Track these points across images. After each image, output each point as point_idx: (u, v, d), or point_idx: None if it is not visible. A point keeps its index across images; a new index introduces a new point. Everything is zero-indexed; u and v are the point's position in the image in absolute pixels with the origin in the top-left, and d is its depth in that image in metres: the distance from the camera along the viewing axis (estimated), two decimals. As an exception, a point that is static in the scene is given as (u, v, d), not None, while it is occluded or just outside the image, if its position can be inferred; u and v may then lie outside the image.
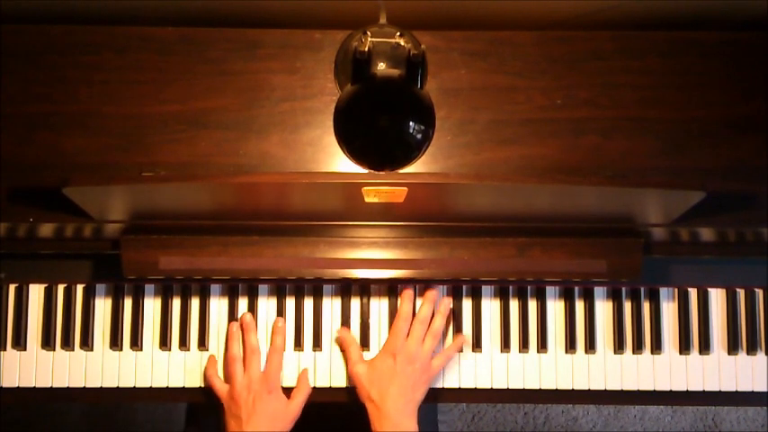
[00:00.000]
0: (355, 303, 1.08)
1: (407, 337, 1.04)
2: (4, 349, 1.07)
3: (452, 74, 0.99)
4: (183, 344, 1.07)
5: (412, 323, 1.05)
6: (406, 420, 0.99)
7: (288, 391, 1.05)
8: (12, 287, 1.07)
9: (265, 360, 1.05)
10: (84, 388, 1.06)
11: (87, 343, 1.07)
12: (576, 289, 1.09)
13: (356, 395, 1.04)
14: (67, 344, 1.07)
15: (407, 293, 1.06)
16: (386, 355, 1.03)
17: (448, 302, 1.07)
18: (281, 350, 1.05)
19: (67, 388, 1.05)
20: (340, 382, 1.07)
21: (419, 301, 1.07)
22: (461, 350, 1.07)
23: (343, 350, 1.07)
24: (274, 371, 1.03)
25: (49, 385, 1.06)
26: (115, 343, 1.07)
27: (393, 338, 1.04)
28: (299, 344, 1.07)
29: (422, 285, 1.08)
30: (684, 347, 1.08)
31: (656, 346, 1.08)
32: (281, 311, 1.07)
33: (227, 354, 1.05)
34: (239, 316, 1.07)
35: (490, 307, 1.08)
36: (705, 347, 1.08)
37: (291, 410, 1.03)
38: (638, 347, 1.08)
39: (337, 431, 1.65)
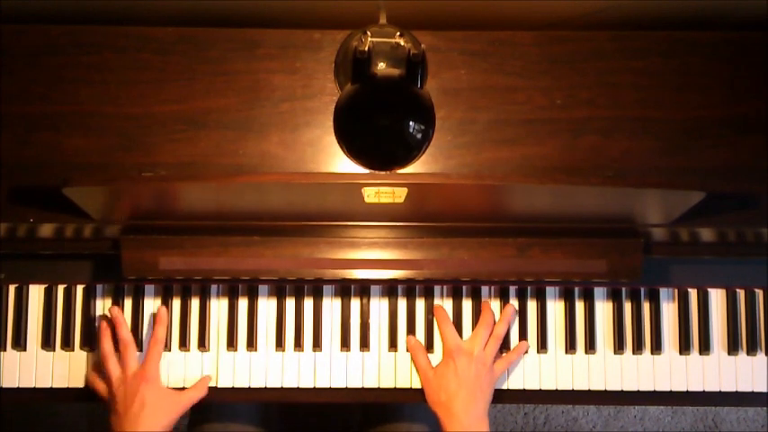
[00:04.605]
0: (355, 304, 1.08)
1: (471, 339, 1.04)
2: (4, 349, 1.07)
3: (452, 74, 0.99)
4: (183, 344, 1.06)
5: (475, 328, 1.05)
6: (475, 422, 0.98)
7: (287, 393, 1.05)
8: (12, 287, 1.07)
9: (145, 353, 1.03)
10: (85, 388, 1.06)
11: (87, 343, 1.06)
12: (576, 289, 1.09)
13: (425, 396, 1.03)
14: (67, 344, 1.06)
15: (438, 309, 1.06)
16: (446, 359, 1.03)
17: (511, 308, 1.07)
18: (161, 341, 1.03)
19: (67, 388, 1.05)
20: (340, 382, 1.07)
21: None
22: (527, 352, 1.07)
23: (412, 359, 1.06)
24: (153, 362, 1.01)
25: (49, 385, 1.06)
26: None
27: (445, 342, 1.04)
28: (299, 344, 1.06)
29: (422, 286, 1.08)
30: (684, 348, 1.08)
31: (656, 347, 1.08)
32: (280, 312, 1.07)
33: (100, 352, 1.02)
34: (109, 311, 1.05)
35: (490, 307, 1.08)
36: (705, 348, 1.08)
37: (179, 401, 1.01)
38: (638, 348, 1.08)
39: (338, 431, 1.65)
